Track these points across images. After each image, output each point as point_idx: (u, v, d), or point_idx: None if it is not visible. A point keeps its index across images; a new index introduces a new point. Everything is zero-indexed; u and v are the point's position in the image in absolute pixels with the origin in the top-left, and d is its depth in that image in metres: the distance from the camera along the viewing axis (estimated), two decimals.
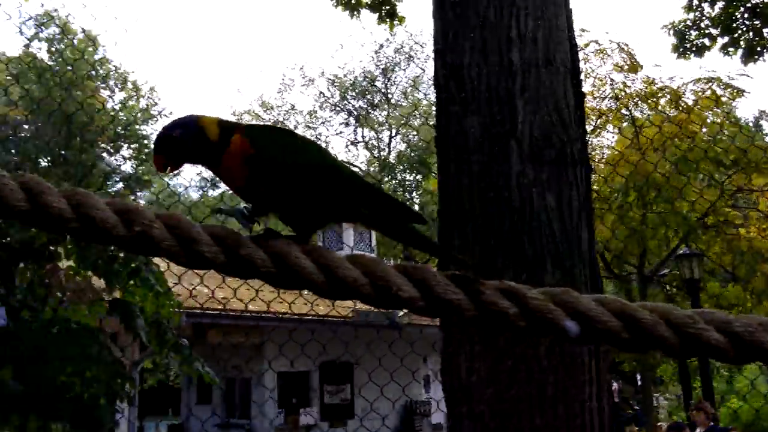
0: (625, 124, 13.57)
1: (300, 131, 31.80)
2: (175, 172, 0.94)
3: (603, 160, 13.55)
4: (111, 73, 24.47)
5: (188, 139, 0.90)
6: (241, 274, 0.59)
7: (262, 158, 0.88)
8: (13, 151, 21.50)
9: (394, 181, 31.48)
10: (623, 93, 13.30)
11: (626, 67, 13.47)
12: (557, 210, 2.52)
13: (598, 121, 13.69)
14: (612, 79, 13.55)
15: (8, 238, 3.43)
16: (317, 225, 0.93)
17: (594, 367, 2.39)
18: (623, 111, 13.51)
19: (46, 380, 3.26)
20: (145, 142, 25.58)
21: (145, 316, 3.67)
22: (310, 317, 11.85)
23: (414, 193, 31.76)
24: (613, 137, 14.76)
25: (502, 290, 0.64)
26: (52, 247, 3.52)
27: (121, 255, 3.57)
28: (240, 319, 11.99)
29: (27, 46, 22.45)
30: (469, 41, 2.76)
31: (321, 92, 31.34)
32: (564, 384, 2.30)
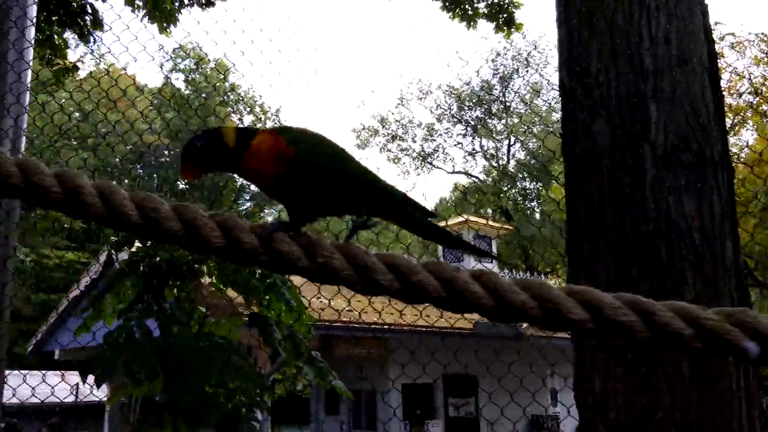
0: (766, 121, 12.61)
1: (418, 144, 32.05)
2: (198, 178, 1.03)
3: (742, 160, 12.63)
4: (240, 98, 25.91)
5: (208, 147, 0.98)
6: (413, 300, 0.61)
7: (300, 160, 0.94)
8: (155, 176, 23.27)
9: (513, 190, 30.98)
10: (764, 87, 12.38)
11: (766, 59, 12.53)
12: (697, 217, 2.39)
13: (736, 118, 12.81)
14: (750, 73, 12.65)
15: (158, 259, 3.72)
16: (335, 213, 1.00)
17: (743, 383, 2.23)
18: (764, 106, 12.56)
19: (193, 390, 3.47)
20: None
21: (281, 329, 3.83)
22: (433, 329, 11.88)
23: (535, 202, 31.10)
24: (752, 135, 13.77)
25: (674, 311, 0.62)
26: (196, 266, 3.77)
27: (258, 271, 3.75)
28: (364, 331, 12.21)
29: (166, 78, 24.28)
30: (596, 44, 2.69)
31: (438, 104, 31.43)
32: (709, 400, 2.17)
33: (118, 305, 3.73)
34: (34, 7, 2.31)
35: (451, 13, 8.00)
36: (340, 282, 0.61)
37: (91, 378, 3.34)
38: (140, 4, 6.73)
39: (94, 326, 3.84)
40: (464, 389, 15.38)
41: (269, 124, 28.73)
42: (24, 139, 2.19)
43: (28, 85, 2.18)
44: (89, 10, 6.07)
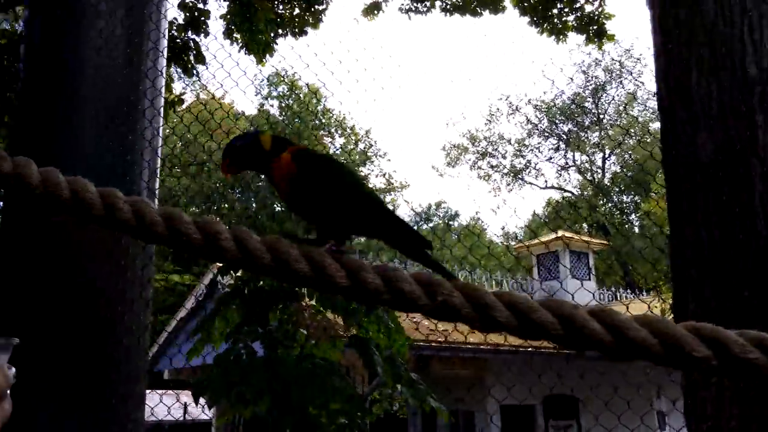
0: None
1: (508, 160, 31.65)
2: (235, 174, 1.14)
3: None
4: (332, 121, 26.58)
5: (246, 147, 1.08)
6: (531, 336, 0.63)
7: (302, 180, 1.03)
8: (252, 199, 24.13)
9: (609, 204, 30.00)
10: None
11: None
12: None
13: None
14: None
15: (261, 283, 3.86)
16: (343, 235, 1.06)
17: None
18: None
19: (296, 412, 3.56)
20: (365, 182, 27.51)
21: (380, 351, 3.88)
22: (531, 349, 11.63)
23: (633, 215, 29.98)
24: None
25: None
26: (297, 289, 3.89)
27: None
28: (461, 351, 12.11)
29: (262, 105, 25.28)
30: (695, 56, 2.60)
31: (528, 119, 30.96)
32: None
33: (226, 328, 3.90)
34: (164, 61, 2.49)
35: (539, 28, 7.92)
36: (459, 319, 0.63)
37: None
38: (238, 37, 7.09)
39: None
40: (566, 411, 14.91)
41: (360, 146, 29.27)
42: (158, 192, 2.35)
43: (161, 141, 2.34)
44: (192, 46, 6.45)
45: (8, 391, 0.65)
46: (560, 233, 17.23)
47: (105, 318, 1.82)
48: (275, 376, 3.49)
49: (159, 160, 2.27)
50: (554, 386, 11.82)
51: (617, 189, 30.07)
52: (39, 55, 2.27)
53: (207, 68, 6.23)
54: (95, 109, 2.12)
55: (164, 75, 2.38)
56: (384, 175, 29.76)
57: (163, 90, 2.35)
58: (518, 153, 31.47)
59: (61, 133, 2.08)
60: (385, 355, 3.91)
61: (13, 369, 0.66)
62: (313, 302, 3.91)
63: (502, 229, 31.87)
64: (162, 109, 2.34)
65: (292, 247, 0.67)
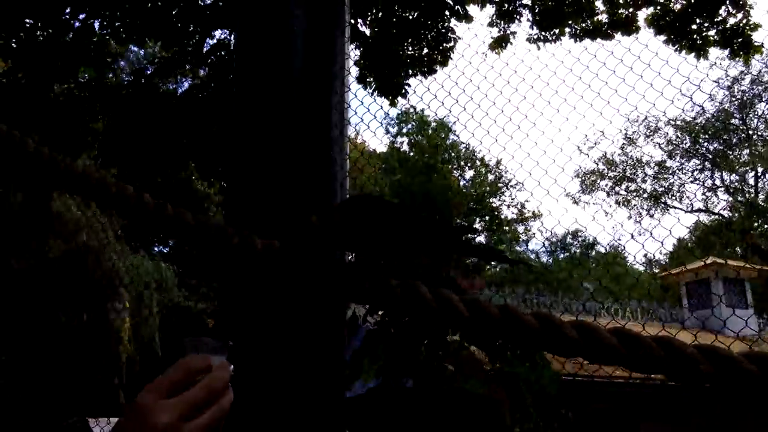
0: None
1: (649, 184, 30.07)
2: None
3: None
4: (461, 153, 26.71)
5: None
6: (735, 389, 0.63)
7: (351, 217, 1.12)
8: None
9: (766, 225, 27.63)
10: None
11: None
12: None
13: None
14: None
15: (406, 318, 3.93)
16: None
17: None
18: None
19: None
20: (495, 213, 27.22)
21: (527, 386, 3.80)
22: (680, 384, 10.88)
23: None
24: None
25: None
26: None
27: None
28: (610, 387, 11.57)
29: (392, 142, 25.93)
30: None
31: (669, 140, 29.35)
32: None
33: (373, 364, 3.99)
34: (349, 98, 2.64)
35: (677, 45, 7.58)
36: (659, 371, 0.64)
37: None
38: (371, 80, 7.38)
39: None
40: None
41: (490, 177, 29.04)
42: None
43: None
44: None
45: (229, 383, 0.76)
46: (711, 259, 16.13)
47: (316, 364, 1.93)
48: (424, 412, 3.51)
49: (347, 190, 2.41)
50: (708, 424, 10.96)
51: None
52: (250, 74, 2.43)
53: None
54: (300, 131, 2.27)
55: (349, 105, 2.54)
56: (516, 205, 29.29)
57: (348, 126, 2.50)
58: (659, 176, 29.87)
59: (277, 142, 2.22)
60: (534, 390, 3.82)
61: (231, 366, 0.80)
62: (457, 337, 3.91)
63: (645, 256, 30.17)
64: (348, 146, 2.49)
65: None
